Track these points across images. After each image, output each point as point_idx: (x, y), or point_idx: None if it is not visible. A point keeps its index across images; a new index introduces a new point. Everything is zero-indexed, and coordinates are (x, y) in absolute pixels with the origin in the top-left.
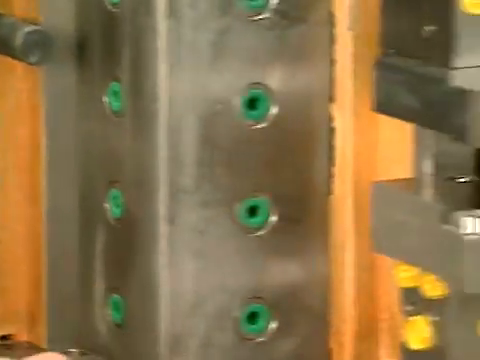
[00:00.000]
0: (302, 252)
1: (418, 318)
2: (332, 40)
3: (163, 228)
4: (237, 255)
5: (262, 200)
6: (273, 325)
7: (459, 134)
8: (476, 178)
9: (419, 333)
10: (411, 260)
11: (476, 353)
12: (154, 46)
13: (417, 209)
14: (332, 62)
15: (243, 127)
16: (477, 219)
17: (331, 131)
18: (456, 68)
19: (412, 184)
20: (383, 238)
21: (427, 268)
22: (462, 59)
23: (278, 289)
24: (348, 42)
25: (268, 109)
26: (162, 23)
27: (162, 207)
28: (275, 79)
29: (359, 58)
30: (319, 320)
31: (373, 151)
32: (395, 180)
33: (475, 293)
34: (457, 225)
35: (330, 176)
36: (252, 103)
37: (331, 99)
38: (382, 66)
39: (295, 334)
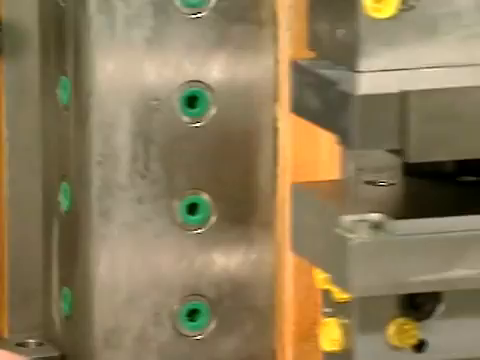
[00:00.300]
0: (245, 251)
1: (330, 320)
2: (275, 40)
3: (98, 223)
4: (175, 252)
5: (202, 198)
6: (214, 323)
7: (343, 137)
8: (395, 182)
9: (330, 335)
10: (316, 262)
11: (383, 358)
12: (89, 41)
13: (319, 212)
14: (276, 62)
15: (181, 125)
16: (364, 223)
17: (276, 131)
18: (359, 71)
19: (335, 186)
20: (297, 239)
21: (326, 271)
22: (365, 63)
23: (220, 287)
24: (287, 42)
25: (207, 107)
26: (95, 18)
27: (96, 202)
28: (215, 78)
29: (298, 58)
30: (262, 320)
31: (314, 152)
32: (320, 182)
33: (384, 296)
34: (345, 228)
35: (275, 177)
36: (191, 101)
37: (276, 99)
38: (297, 68)
39: (237, 333)
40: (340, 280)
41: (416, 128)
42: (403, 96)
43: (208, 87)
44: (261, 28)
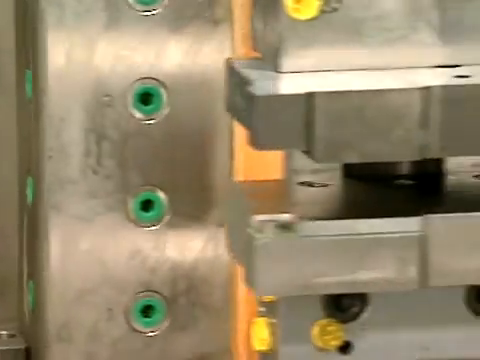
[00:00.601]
0: (200, 249)
1: (259, 320)
2: (232, 38)
3: (51, 217)
4: (128, 248)
5: (157, 195)
6: (168, 320)
7: (251, 137)
8: (330, 183)
9: (259, 335)
10: (238, 262)
11: (308, 359)
12: (41, 36)
13: (239, 211)
14: None
15: (134, 121)
16: (271, 223)
17: (231, 129)
18: (282, 72)
19: (271, 186)
20: (227, 238)
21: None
22: (287, 63)
23: (175, 284)
24: (240, 41)
25: (161, 105)
26: (47, 13)
27: (49, 196)
28: (169, 75)
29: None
30: (217, 318)
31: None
32: (258, 181)
33: (310, 297)
34: (253, 228)
35: (231, 175)
36: (144, 98)
37: None
38: (228, 67)
39: (192, 331)
40: (248, 279)
41: (322, 130)
42: (309, 97)
43: (162, 84)
44: (216, 26)
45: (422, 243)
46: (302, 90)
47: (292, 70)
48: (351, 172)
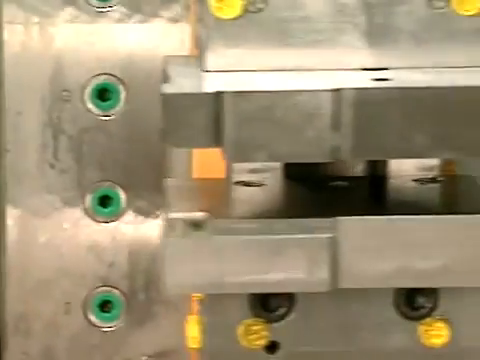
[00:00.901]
0: (159, 245)
1: (191, 318)
2: (191, 35)
3: (9, 210)
4: (86, 243)
5: (114, 191)
6: (127, 315)
7: (163, 136)
8: (266, 183)
9: (191, 333)
10: None
11: (233, 357)
12: (1, 31)
13: (166, 209)
14: None
15: (91, 116)
16: (181, 221)
17: None
18: (207, 71)
19: (215, 184)
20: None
21: None
22: (211, 62)
23: (133, 280)
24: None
25: (119, 101)
26: (6, 8)
27: (6, 189)
28: (127, 71)
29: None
30: (176, 314)
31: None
32: (200, 179)
33: (236, 297)
34: (166, 226)
35: (189, 171)
36: (102, 93)
37: None
38: (163, 64)
39: (150, 326)
40: (161, 277)
41: (231, 129)
42: (217, 97)
43: (120, 80)
44: (175, 24)
45: (332, 245)
46: (214, 89)
47: (217, 69)
48: (291, 173)
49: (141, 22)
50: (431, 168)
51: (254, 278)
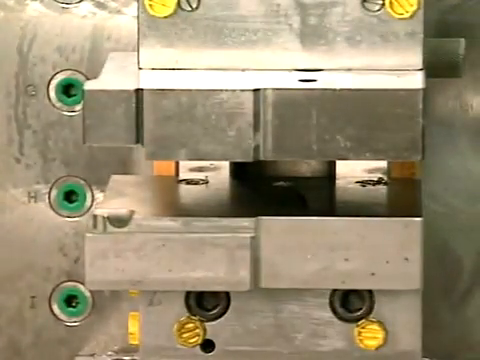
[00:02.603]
0: None
1: (132, 314)
2: None
3: None
4: (50, 237)
5: (79, 186)
6: (92, 310)
7: (83, 133)
8: (208, 182)
9: (131, 329)
10: None
11: (168, 355)
12: None
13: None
14: None
15: (57, 112)
16: (103, 218)
17: None
18: (141, 68)
19: (161, 182)
20: None
21: None
22: (144, 60)
23: None
24: None
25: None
26: None
27: None
28: (92, 67)
29: None
30: None
31: None
32: (155, 176)
33: (172, 295)
34: (90, 222)
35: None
36: (67, 89)
37: None
38: (107, 62)
39: (115, 322)
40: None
41: (151, 127)
42: (137, 94)
43: (85, 76)
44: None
45: (254, 245)
46: (134, 87)
47: (151, 66)
48: (238, 172)
49: (107, 18)
50: (379, 170)
51: (173, 276)
